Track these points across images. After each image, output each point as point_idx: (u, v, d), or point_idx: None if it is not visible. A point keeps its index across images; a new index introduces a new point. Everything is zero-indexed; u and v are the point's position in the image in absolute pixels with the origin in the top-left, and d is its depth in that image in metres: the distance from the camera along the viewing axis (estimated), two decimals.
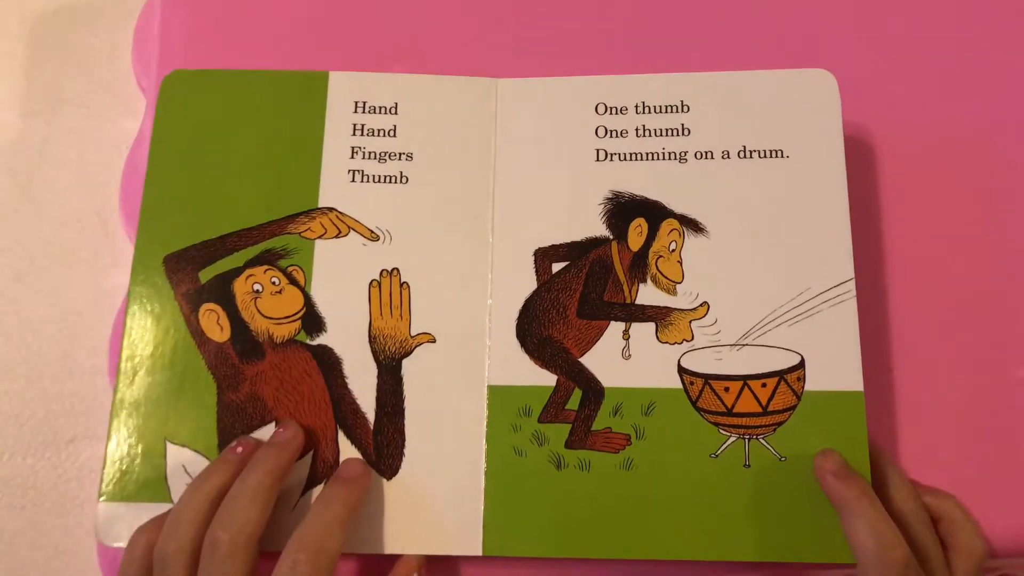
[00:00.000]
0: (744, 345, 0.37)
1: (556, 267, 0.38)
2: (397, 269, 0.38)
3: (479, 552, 0.35)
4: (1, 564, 0.43)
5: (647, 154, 0.39)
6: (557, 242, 0.38)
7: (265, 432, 0.36)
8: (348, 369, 0.37)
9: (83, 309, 0.47)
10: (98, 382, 0.45)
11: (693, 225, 0.38)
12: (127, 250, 0.45)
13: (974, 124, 0.44)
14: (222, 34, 0.44)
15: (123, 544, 0.35)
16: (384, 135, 0.39)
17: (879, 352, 0.41)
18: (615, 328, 0.38)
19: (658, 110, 0.40)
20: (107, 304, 0.46)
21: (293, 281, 0.37)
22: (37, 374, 0.46)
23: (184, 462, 0.36)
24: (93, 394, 0.45)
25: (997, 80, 0.45)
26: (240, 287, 0.37)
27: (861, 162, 0.44)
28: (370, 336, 0.37)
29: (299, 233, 0.38)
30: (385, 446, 0.36)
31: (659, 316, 0.38)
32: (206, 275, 0.37)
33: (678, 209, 0.38)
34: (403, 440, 0.36)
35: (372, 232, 0.38)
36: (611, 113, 0.40)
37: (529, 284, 0.38)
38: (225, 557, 0.31)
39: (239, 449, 0.35)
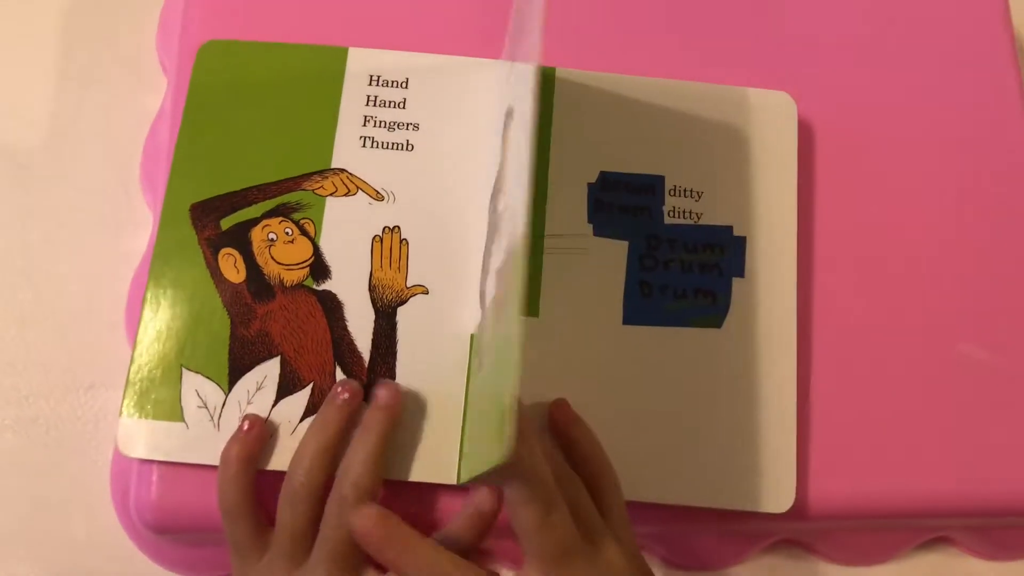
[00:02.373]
0: None
1: None
2: (398, 227, 0.42)
3: (454, 482, 0.40)
4: (24, 494, 0.47)
5: None
6: None
7: (270, 365, 0.40)
8: (348, 313, 0.41)
9: (104, 269, 0.51)
10: (116, 335, 0.49)
11: None
12: (146, 218, 0.50)
13: (906, 117, 0.50)
14: (244, 19, 0.48)
15: (140, 455, 0.39)
16: (394, 107, 0.44)
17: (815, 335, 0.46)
18: None
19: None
20: (126, 265, 0.50)
21: (304, 232, 0.42)
22: (61, 326, 0.50)
23: (196, 387, 0.40)
24: (111, 346, 0.49)
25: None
26: (257, 235, 0.42)
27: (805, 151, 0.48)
28: (370, 285, 0.42)
29: (312, 190, 0.43)
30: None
31: None
32: (227, 223, 0.42)
33: None
34: (394, 378, 0.41)
35: (378, 192, 0.43)
36: None
37: None
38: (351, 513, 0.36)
39: (345, 395, 0.39)
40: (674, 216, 0.44)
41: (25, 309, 0.50)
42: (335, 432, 0.38)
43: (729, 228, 0.44)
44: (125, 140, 0.53)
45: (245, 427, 0.39)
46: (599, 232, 0.44)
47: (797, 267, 0.44)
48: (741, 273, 0.44)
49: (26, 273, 0.51)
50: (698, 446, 0.42)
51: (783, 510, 0.41)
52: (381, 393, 0.39)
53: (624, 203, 0.44)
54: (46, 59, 0.55)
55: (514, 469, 0.33)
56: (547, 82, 0.45)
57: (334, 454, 0.38)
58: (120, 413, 0.39)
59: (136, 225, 0.51)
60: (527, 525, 0.34)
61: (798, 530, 0.47)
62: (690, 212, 0.44)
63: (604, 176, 0.44)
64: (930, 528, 0.48)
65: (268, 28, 0.46)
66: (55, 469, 0.47)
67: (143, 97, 0.54)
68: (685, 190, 0.45)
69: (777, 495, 0.41)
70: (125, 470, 0.43)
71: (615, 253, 0.44)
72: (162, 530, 0.41)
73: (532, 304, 0.42)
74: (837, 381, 0.45)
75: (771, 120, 0.46)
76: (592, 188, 0.44)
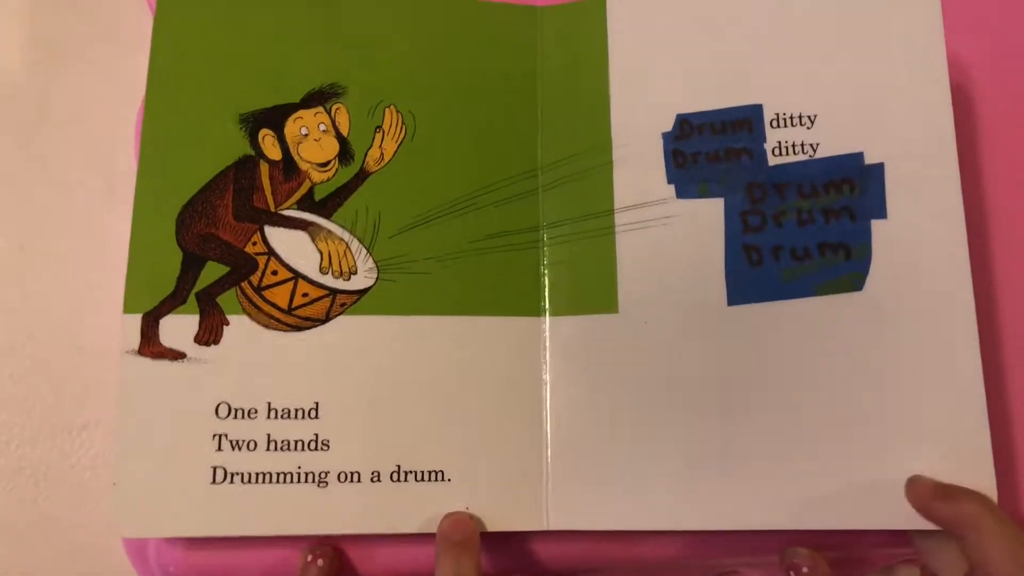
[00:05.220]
0: None
1: None
2: None
3: (541, 527, 0.33)
4: (15, 560, 0.41)
5: None
6: None
7: None
8: None
9: (92, 282, 0.43)
10: (110, 363, 0.40)
11: None
12: None
13: None
14: None
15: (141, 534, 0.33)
16: None
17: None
18: None
19: None
20: (117, 276, 0.41)
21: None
22: (44, 355, 0.43)
23: None
24: (106, 377, 0.43)
25: None
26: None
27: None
28: None
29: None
30: None
31: None
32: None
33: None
34: None
35: None
36: None
37: None
38: None
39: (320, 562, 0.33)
40: (781, 154, 0.34)
41: (0, 337, 0.43)
42: None
43: (858, 155, 0.33)
44: (105, 124, 0.45)
45: None
46: (683, 193, 0.34)
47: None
48: (883, 213, 0.33)
49: None
50: (855, 455, 0.31)
51: None
52: (451, 527, 0.32)
53: (712, 149, 0.34)
54: (6, 29, 0.47)
55: None
56: (596, 17, 0.36)
57: None
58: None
59: (125, 228, 0.41)
60: None
61: None
62: (802, 144, 0.34)
63: (682, 120, 0.35)
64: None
65: None
66: (50, 527, 0.41)
67: (124, 71, 0.46)
68: (792, 117, 0.34)
69: None
70: None
71: (708, 216, 0.34)
72: None
73: (608, 298, 0.34)
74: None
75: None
76: (668, 138, 0.35)
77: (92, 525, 0.41)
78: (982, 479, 0.30)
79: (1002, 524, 0.29)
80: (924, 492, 0.31)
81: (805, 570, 0.32)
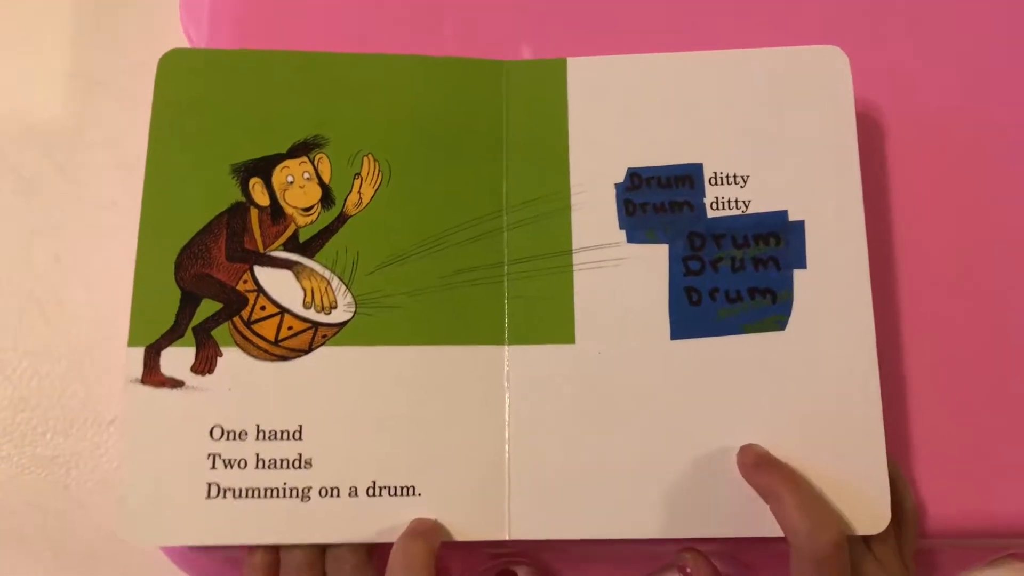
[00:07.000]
0: None
1: None
2: None
3: (504, 537, 0.36)
4: (45, 542, 0.44)
5: None
6: None
7: None
8: None
9: (122, 293, 0.45)
10: None
11: None
12: None
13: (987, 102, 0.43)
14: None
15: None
16: None
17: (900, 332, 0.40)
18: None
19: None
20: None
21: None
22: (78, 356, 0.47)
23: None
24: None
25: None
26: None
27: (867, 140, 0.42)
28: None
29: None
30: None
31: None
32: None
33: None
34: None
35: None
36: None
37: None
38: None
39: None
40: (718, 208, 0.39)
41: (37, 338, 0.47)
42: None
43: (783, 213, 0.38)
44: (137, 148, 0.46)
45: None
46: (633, 238, 0.39)
47: (869, 251, 0.38)
48: (803, 264, 0.38)
49: (36, 298, 0.47)
50: None
51: (878, 531, 0.36)
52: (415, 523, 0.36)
53: (659, 201, 0.39)
54: (43, 58, 0.51)
55: None
56: (557, 76, 0.40)
57: None
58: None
59: None
60: None
61: None
62: (736, 201, 0.39)
63: (633, 173, 0.39)
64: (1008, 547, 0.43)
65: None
66: (79, 512, 0.45)
67: None
68: (728, 176, 0.39)
69: (870, 515, 0.36)
70: None
71: (654, 259, 0.38)
72: None
73: (566, 330, 0.38)
74: (926, 384, 0.39)
75: (819, 81, 0.39)
76: (620, 189, 0.39)
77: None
78: (876, 498, 0.36)
79: (799, 490, 0.34)
80: (748, 461, 0.36)
81: (689, 570, 0.38)
